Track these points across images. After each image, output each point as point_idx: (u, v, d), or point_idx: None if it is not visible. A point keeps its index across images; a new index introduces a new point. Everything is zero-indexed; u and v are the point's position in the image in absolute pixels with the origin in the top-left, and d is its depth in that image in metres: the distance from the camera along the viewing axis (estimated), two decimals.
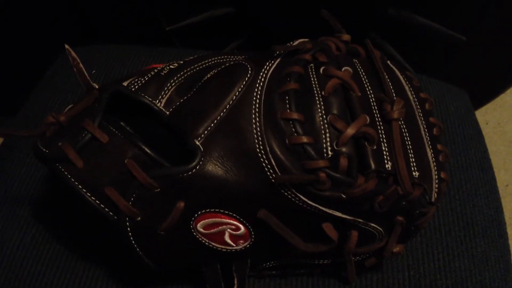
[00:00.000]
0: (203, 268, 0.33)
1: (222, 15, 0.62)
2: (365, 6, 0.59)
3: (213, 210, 0.29)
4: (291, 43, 0.33)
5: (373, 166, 0.28)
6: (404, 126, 0.31)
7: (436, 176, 0.31)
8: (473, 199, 0.43)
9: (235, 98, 0.29)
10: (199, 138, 0.28)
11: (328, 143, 0.28)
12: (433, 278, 0.38)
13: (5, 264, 0.38)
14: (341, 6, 0.46)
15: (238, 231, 0.30)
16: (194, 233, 0.30)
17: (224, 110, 0.29)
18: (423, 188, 0.29)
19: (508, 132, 0.92)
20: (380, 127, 0.30)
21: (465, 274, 0.38)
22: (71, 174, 0.29)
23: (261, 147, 0.28)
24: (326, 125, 0.28)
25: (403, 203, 0.29)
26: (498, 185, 0.45)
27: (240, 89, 0.30)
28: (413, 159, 0.30)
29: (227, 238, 0.30)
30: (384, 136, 0.29)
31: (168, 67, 0.32)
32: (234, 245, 0.31)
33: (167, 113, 0.30)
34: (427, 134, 0.32)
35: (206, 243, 0.30)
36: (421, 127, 0.32)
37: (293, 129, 0.28)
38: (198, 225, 0.29)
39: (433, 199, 0.30)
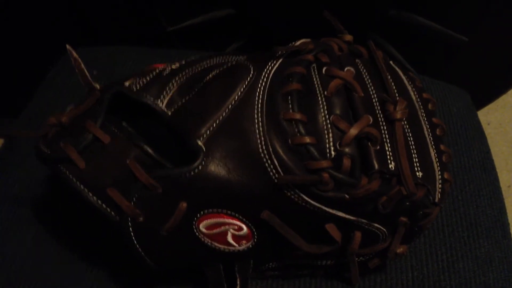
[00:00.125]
0: (206, 268, 0.33)
1: (223, 16, 0.62)
2: (366, 7, 0.59)
3: (215, 210, 0.29)
4: (293, 43, 0.33)
5: (376, 166, 0.28)
6: (407, 127, 0.31)
7: (440, 177, 0.30)
8: (476, 199, 0.43)
9: (237, 98, 0.29)
10: (201, 139, 0.28)
11: (331, 144, 0.28)
12: (437, 279, 0.38)
13: (6, 264, 0.38)
14: (341, 7, 0.46)
15: (240, 231, 0.30)
16: (197, 234, 0.29)
17: (226, 111, 0.29)
18: (426, 189, 0.29)
19: (510, 132, 0.91)
20: (383, 128, 0.29)
21: (469, 275, 0.38)
22: (73, 175, 0.29)
23: (264, 147, 0.28)
24: (329, 126, 0.28)
25: (407, 203, 0.29)
26: (501, 185, 0.45)
27: (242, 90, 0.29)
28: (417, 160, 0.30)
29: (229, 238, 0.30)
30: (387, 137, 0.29)
31: (169, 68, 0.32)
32: (237, 245, 0.30)
33: (169, 113, 0.30)
34: (430, 134, 0.32)
35: (209, 244, 0.30)
36: (424, 127, 0.32)
37: (296, 130, 0.28)
38: (201, 225, 0.29)
39: (436, 200, 0.30)
